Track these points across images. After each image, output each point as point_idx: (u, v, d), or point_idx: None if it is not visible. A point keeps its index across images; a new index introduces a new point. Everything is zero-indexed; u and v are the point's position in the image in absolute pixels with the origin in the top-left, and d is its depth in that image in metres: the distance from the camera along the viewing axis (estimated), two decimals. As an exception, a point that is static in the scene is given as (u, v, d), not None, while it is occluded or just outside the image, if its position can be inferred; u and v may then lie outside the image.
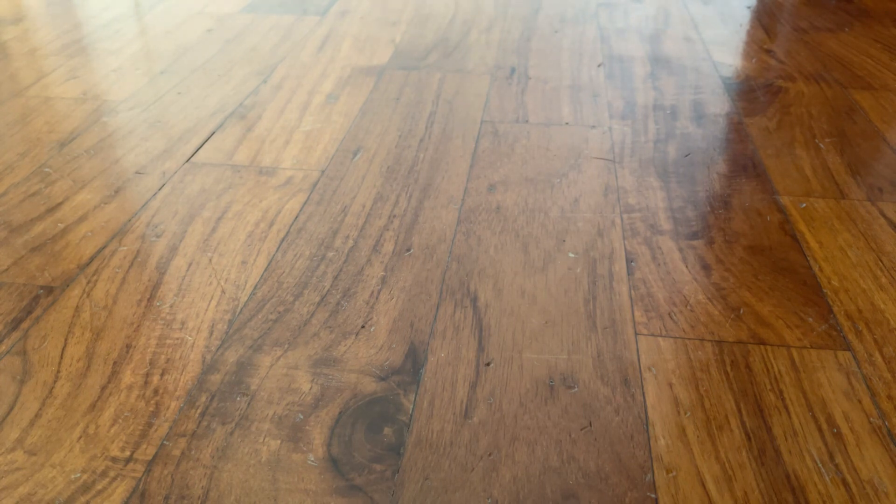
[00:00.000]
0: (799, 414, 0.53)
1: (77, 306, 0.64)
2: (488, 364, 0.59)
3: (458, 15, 1.40)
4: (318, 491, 0.49)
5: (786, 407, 0.53)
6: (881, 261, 0.70)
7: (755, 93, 1.06)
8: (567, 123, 0.97)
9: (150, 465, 0.50)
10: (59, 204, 0.80)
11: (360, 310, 0.64)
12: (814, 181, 0.83)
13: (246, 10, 1.44)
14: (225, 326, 0.62)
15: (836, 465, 0.49)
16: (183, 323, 0.62)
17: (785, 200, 0.80)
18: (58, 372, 0.57)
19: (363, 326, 0.62)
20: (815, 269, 0.69)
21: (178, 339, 0.61)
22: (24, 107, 1.04)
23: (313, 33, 1.31)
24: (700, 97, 1.05)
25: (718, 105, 1.03)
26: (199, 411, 0.54)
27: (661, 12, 1.42)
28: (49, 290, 0.67)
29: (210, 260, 0.71)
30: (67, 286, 0.67)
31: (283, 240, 0.73)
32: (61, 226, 0.76)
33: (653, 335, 0.61)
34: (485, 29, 1.33)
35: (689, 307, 0.64)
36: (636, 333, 0.62)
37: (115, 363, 0.58)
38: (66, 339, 0.61)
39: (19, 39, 1.29)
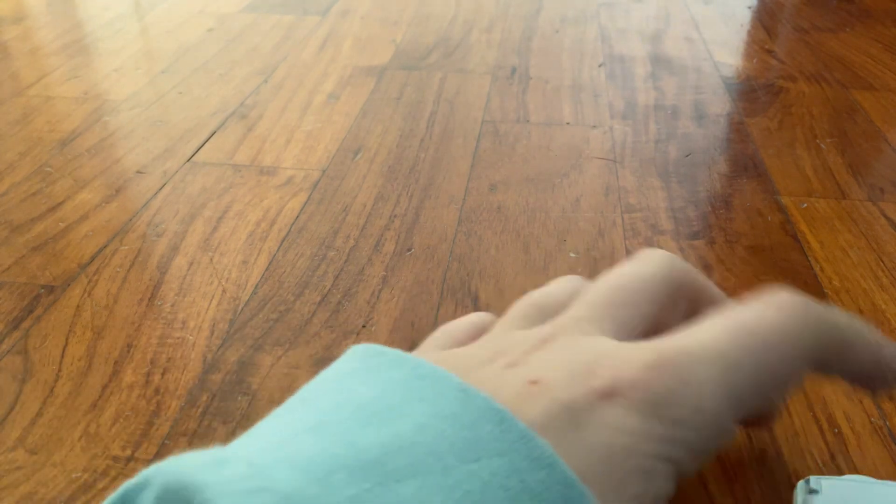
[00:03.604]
0: (800, 414, 0.53)
1: (78, 305, 0.65)
2: (489, 364, 0.59)
3: (459, 15, 1.40)
4: (319, 490, 0.49)
5: (787, 406, 0.53)
6: (882, 261, 0.70)
7: (756, 93, 1.06)
8: (568, 123, 0.97)
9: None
10: (60, 203, 0.80)
11: (361, 309, 0.64)
12: (815, 181, 0.83)
13: (247, 9, 1.44)
14: (226, 326, 0.62)
15: (838, 466, 0.49)
16: (184, 322, 0.62)
17: (786, 200, 0.80)
18: (59, 371, 0.57)
19: (364, 326, 0.62)
20: (817, 269, 0.69)
21: (179, 338, 0.61)
22: (24, 106, 1.04)
23: (314, 33, 1.31)
24: (701, 97, 1.05)
25: (719, 105, 1.03)
26: (200, 410, 0.54)
27: (661, 12, 1.42)
28: (50, 289, 0.67)
29: (211, 259, 0.71)
30: (68, 285, 0.67)
31: (283, 239, 0.73)
32: (62, 225, 0.76)
33: (654, 335, 0.61)
34: (486, 29, 1.33)
35: (690, 307, 0.64)
36: (637, 333, 0.62)
37: (116, 362, 0.58)
38: (67, 339, 0.61)
39: (20, 38, 1.29)
